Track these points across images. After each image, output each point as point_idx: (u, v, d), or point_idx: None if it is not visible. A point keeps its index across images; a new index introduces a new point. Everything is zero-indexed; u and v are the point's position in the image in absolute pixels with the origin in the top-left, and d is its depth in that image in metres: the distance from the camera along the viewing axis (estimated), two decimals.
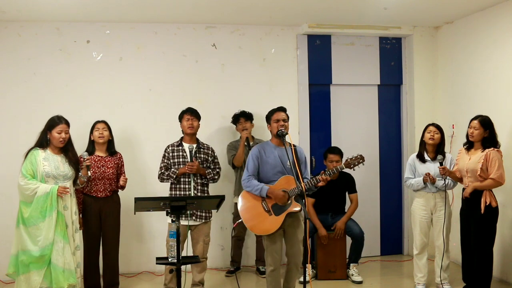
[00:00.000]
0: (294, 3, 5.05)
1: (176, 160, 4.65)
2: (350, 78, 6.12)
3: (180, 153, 4.66)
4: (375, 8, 5.27)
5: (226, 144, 5.52)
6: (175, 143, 4.74)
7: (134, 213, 3.90)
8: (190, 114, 4.71)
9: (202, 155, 4.69)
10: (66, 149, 4.28)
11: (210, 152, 4.78)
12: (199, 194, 4.59)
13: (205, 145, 4.79)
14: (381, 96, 6.26)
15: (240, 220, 4.22)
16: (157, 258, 3.93)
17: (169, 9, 5.17)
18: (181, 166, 4.60)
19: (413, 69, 6.10)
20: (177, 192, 4.62)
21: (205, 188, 4.71)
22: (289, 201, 4.07)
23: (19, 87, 5.40)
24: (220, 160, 5.64)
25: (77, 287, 4.19)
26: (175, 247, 3.65)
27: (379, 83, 6.20)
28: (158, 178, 4.71)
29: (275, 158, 4.17)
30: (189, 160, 4.59)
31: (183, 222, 4.44)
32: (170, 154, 4.68)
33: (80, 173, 4.35)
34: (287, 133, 4.14)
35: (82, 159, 4.38)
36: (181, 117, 4.74)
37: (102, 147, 4.69)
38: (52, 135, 4.19)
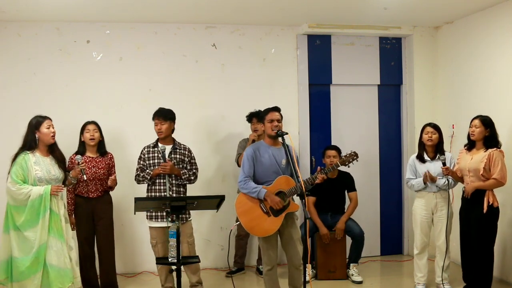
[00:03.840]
0: (294, 3, 5.05)
1: (151, 162, 4.58)
2: (350, 78, 6.11)
3: (156, 154, 4.57)
4: (375, 8, 5.26)
5: (225, 144, 5.54)
6: (151, 144, 4.66)
7: (134, 213, 3.91)
8: (157, 118, 4.57)
9: (177, 156, 4.60)
10: (53, 150, 4.21)
11: (186, 152, 4.66)
12: (174, 195, 4.50)
13: (182, 146, 4.68)
14: (381, 96, 6.26)
15: (238, 223, 4.22)
16: (157, 258, 3.94)
17: (169, 9, 5.17)
18: (157, 167, 4.53)
19: (413, 69, 6.10)
20: (153, 194, 4.56)
21: (181, 189, 4.60)
22: (287, 202, 4.07)
23: (19, 87, 5.40)
24: (220, 160, 5.66)
25: (75, 286, 4.15)
26: (175, 247, 3.65)
27: (379, 83, 6.20)
28: (135, 179, 4.65)
29: (270, 158, 4.16)
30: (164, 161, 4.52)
31: (161, 224, 4.44)
32: (146, 156, 4.62)
33: (69, 174, 4.33)
34: (287, 133, 4.12)
35: (76, 162, 4.36)
36: (153, 119, 4.62)
37: (93, 148, 4.68)
38: (41, 132, 4.10)
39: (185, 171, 4.60)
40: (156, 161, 4.56)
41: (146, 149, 4.66)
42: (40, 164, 4.08)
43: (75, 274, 4.20)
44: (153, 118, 4.60)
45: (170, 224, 4.26)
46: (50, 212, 4.00)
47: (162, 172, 4.47)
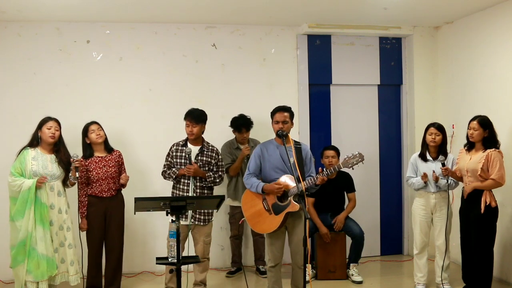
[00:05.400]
0: (294, 3, 5.05)
1: (178, 160, 4.62)
2: (350, 78, 6.12)
3: (183, 154, 4.60)
4: (375, 8, 5.27)
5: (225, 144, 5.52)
6: (180, 142, 4.69)
7: (134, 213, 3.90)
8: (190, 120, 4.58)
9: (204, 158, 4.61)
10: (58, 149, 4.38)
11: (214, 155, 4.67)
12: None
13: (210, 147, 4.68)
14: (381, 96, 6.26)
15: (244, 218, 4.30)
16: (157, 258, 3.93)
17: (169, 9, 5.17)
18: (183, 166, 4.57)
19: (413, 69, 6.10)
20: (177, 192, 4.62)
21: (205, 191, 4.63)
22: (287, 201, 4.08)
23: (19, 87, 5.40)
24: None
25: (56, 278, 4.31)
26: (175, 247, 3.66)
27: (379, 83, 6.20)
28: (162, 175, 4.72)
29: (277, 156, 4.18)
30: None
31: (184, 222, 4.47)
32: (174, 153, 4.66)
33: (70, 174, 4.39)
34: (287, 133, 4.15)
35: (72, 160, 4.39)
36: (184, 119, 4.64)
37: (100, 147, 4.69)
38: (42, 131, 4.34)
39: (211, 173, 4.61)
40: (182, 160, 4.60)
41: (174, 147, 4.70)
42: (37, 160, 4.29)
43: (70, 271, 4.37)
44: (185, 118, 4.62)
45: (189, 223, 4.46)
46: (40, 203, 4.20)
47: (186, 174, 4.52)
